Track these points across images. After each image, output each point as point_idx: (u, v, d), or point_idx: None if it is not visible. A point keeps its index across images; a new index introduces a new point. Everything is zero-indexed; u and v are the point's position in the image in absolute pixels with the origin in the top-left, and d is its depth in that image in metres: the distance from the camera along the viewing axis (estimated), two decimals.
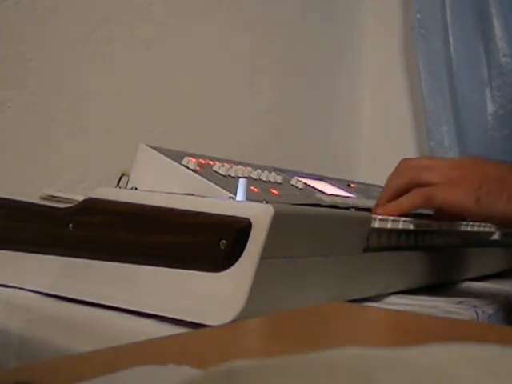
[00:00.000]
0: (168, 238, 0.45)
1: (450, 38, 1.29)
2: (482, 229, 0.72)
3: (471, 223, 0.69)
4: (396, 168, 0.62)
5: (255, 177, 0.61)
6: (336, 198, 0.65)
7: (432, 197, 0.57)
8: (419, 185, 0.59)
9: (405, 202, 0.58)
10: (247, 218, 0.40)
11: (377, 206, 0.61)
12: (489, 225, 0.74)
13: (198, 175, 0.55)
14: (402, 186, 0.60)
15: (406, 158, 0.63)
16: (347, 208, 0.58)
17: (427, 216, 0.64)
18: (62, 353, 0.42)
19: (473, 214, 0.56)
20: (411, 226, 0.58)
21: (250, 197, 0.47)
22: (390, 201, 0.60)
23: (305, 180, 0.68)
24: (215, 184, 0.53)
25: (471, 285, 0.76)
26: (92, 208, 0.50)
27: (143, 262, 0.46)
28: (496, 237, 0.78)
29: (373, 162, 1.44)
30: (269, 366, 0.19)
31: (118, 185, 0.61)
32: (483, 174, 0.57)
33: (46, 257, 0.53)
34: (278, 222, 0.40)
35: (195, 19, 1.01)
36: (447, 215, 0.63)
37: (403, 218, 0.57)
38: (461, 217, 0.64)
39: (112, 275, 0.48)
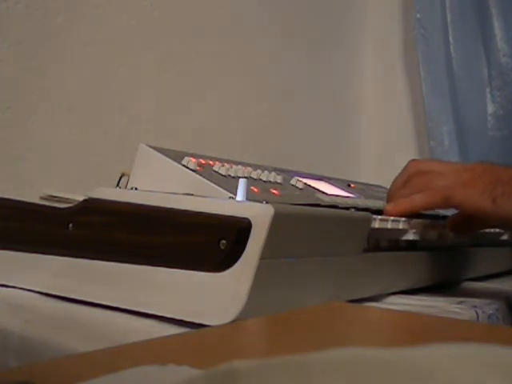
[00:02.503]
0: (168, 238, 0.45)
1: (450, 38, 1.29)
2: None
3: None
4: (404, 170, 0.60)
5: (255, 177, 0.61)
6: (336, 198, 0.65)
7: (450, 197, 0.55)
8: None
9: (419, 199, 0.57)
10: (247, 218, 0.40)
11: (385, 210, 0.59)
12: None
13: (198, 175, 0.55)
14: (410, 195, 0.58)
15: (414, 160, 0.61)
16: (347, 208, 0.58)
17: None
18: (62, 353, 0.42)
19: (489, 214, 0.55)
20: (409, 227, 0.58)
21: (250, 197, 0.47)
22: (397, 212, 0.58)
23: (305, 180, 0.68)
24: (215, 184, 0.53)
25: (471, 285, 0.76)
26: (92, 208, 0.50)
27: (143, 262, 0.46)
28: (497, 237, 0.78)
29: (373, 162, 1.44)
30: (269, 366, 0.19)
31: (117, 185, 0.61)
32: (495, 176, 0.56)
33: (46, 257, 0.53)
34: (278, 222, 0.40)
35: (194, 19, 1.01)
36: (464, 225, 0.62)
37: (403, 219, 0.57)
38: (476, 223, 0.63)
39: (112, 275, 0.48)
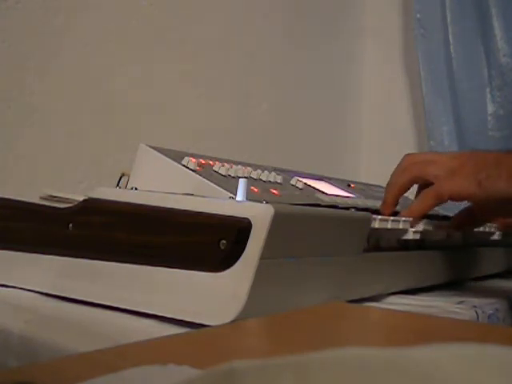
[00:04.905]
0: (168, 237, 0.45)
1: (450, 37, 1.29)
2: (481, 229, 0.72)
3: None
4: (400, 163, 0.64)
5: (255, 177, 0.61)
6: (336, 198, 0.65)
7: (439, 194, 0.59)
8: (423, 179, 0.62)
9: (418, 207, 0.60)
10: (247, 218, 0.40)
11: (384, 203, 0.63)
12: (489, 225, 0.74)
13: (198, 175, 0.55)
14: (408, 182, 0.62)
15: (409, 154, 0.65)
16: (347, 208, 0.58)
17: (427, 216, 0.64)
18: (62, 353, 0.42)
19: (477, 197, 0.58)
20: (409, 227, 0.58)
21: (250, 197, 0.47)
22: (396, 198, 0.62)
23: (305, 180, 0.68)
24: (215, 184, 0.53)
25: (471, 285, 0.76)
26: (92, 208, 0.50)
27: (143, 262, 0.45)
28: (496, 237, 0.78)
29: (373, 162, 1.44)
30: (269, 366, 0.19)
31: (117, 185, 0.61)
32: (481, 160, 0.59)
33: (46, 257, 0.53)
34: (278, 222, 0.40)
35: (194, 18, 1.01)
36: (464, 220, 0.66)
37: (403, 218, 0.57)
38: (477, 218, 0.67)
39: (112, 275, 0.48)
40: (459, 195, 0.59)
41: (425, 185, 0.62)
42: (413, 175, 0.62)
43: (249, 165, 0.65)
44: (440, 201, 0.60)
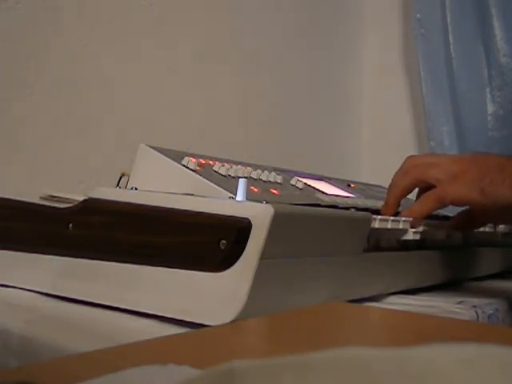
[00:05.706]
0: (168, 237, 0.45)
1: (450, 37, 1.29)
2: (481, 229, 0.72)
3: None
4: (402, 165, 0.64)
5: (255, 177, 0.61)
6: (336, 198, 0.65)
7: (442, 197, 0.59)
8: (425, 182, 0.61)
9: (419, 209, 0.60)
10: (247, 218, 0.40)
11: (386, 205, 0.63)
12: (489, 225, 0.74)
13: (198, 175, 0.55)
14: (409, 184, 0.62)
15: (411, 156, 0.65)
16: (347, 208, 0.58)
17: (428, 216, 0.64)
18: (62, 353, 0.42)
19: (479, 203, 0.58)
20: (409, 227, 0.58)
21: (250, 197, 0.47)
22: (398, 200, 0.62)
23: (305, 180, 0.68)
24: (215, 184, 0.53)
25: (471, 285, 0.76)
26: (92, 208, 0.50)
27: (143, 262, 0.46)
28: (496, 237, 0.78)
29: (373, 162, 1.44)
30: (269, 366, 0.19)
31: (117, 185, 0.61)
32: (484, 165, 0.58)
33: (46, 257, 0.53)
34: (278, 222, 0.40)
35: (194, 19, 1.01)
36: (464, 222, 0.66)
37: (403, 218, 0.57)
38: (477, 219, 0.67)
39: (112, 275, 0.48)
40: (461, 201, 0.59)
41: (426, 188, 0.62)
42: (414, 178, 0.62)
43: (249, 165, 0.65)
44: (441, 205, 0.60)
